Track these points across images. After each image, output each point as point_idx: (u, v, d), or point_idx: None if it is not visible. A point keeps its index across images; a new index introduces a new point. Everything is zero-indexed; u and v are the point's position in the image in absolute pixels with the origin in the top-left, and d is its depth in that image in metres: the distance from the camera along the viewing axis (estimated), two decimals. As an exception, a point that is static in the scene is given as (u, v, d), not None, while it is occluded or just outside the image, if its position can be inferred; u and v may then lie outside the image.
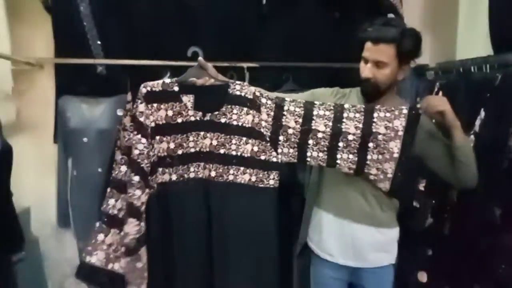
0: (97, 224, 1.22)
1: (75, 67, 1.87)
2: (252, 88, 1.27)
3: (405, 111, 1.21)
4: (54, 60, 1.90)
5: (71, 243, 1.98)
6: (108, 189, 1.22)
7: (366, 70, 1.29)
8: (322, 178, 1.42)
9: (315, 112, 1.24)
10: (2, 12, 1.82)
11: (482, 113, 1.36)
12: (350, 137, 1.22)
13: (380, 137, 1.21)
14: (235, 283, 1.26)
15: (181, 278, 1.26)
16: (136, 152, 1.19)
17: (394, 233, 1.38)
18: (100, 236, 1.21)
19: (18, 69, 1.88)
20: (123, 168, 1.22)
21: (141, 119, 1.20)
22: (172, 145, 1.23)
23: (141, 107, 1.21)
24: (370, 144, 1.22)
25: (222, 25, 1.93)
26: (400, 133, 1.20)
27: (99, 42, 1.89)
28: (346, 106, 1.24)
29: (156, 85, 1.23)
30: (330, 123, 1.23)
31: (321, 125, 1.23)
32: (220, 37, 1.94)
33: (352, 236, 1.35)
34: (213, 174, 1.25)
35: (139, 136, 1.20)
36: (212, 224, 1.25)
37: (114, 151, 1.76)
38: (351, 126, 1.22)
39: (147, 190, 1.21)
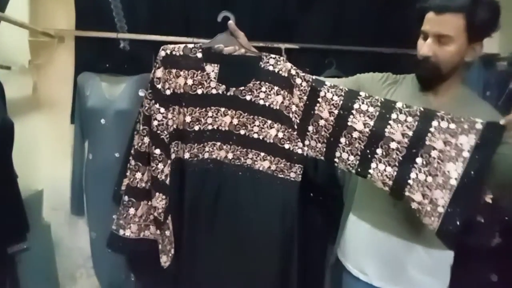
0: (126, 198, 1.11)
1: (96, 41, 1.75)
2: (288, 65, 1.09)
3: (479, 125, 0.93)
4: (74, 32, 1.76)
5: (84, 231, 1.86)
6: (132, 162, 1.10)
7: (425, 47, 1.04)
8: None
9: (356, 106, 1.03)
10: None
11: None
12: (393, 145, 0.99)
13: (435, 153, 0.96)
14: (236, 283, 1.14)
15: (188, 259, 1.15)
16: (155, 123, 1.06)
17: (446, 255, 1.12)
18: (131, 211, 1.12)
19: (36, 41, 1.74)
20: (146, 140, 1.08)
21: (159, 86, 1.06)
22: (188, 119, 1.10)
23: (159, 72, 1.06)
24: (419, 160, 0.97)
25: (257, 1, 1.74)
26: (466, 154, 0.94)
27: (123, 15, 1.73)
28: (398, 105, 1.01)
29: (177, 48, 1.08)
30: (372, 123, 1.01)
31: (359, 123, 1.02)
32: (255, 14, 1.75)
33: (392, 253, 1.12)
34: (230, 156, 1.11)
35: (157, 105, 1.06)
36: (224, 211, 1.12)
37: (132, 134, 1.63)
38: (398, 132, 0.99)
39: (169, 162, 1.09)
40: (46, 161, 1.85)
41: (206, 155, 1.11)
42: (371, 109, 1.02)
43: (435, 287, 1.12)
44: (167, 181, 1.08)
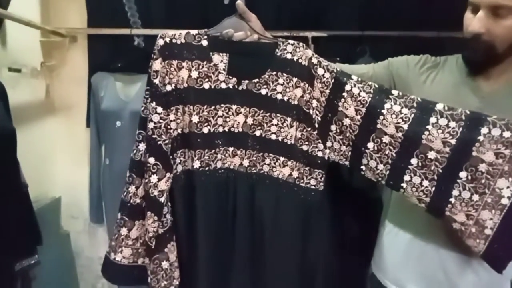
0: (118, 215, 0.96)
1: (109, 39, 1.64)
2: (309, 52, 0.92)
3: None
4: (86, 30, 1.67)
5: (104, 240, 1.78)
6: (127, 173, 0.94)
7: (475, 22, 0.86)
8: None
9: (387, 105, 0.86)
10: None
11: None
12: (432, 155, 0.83)
13: (483, 167, 0.80)
14: None
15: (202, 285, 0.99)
16: (150, 125, 0.89)
17: (507, 269, 0.94)
18: (124, 231, 0.95)
19: (48, 42, 1.66)
20: (141, 146, 0.93)
21: (156, 80, 0.89)
22: (195, 119, 0.93)
23: (156, 64, 0.90)
24: (463, 174, 0.81)
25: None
26: None
27: (136, 9, 1.63)
28: (438, 106, 0.84)
29: (178, 35, 0.92)
30: (406, 126, 0.85)
31: (391, 126, 0.86)
32: (279, 1, 1.61)
33: (439, 268, 0.96)
34: (245, 163, 0.95)
35: (153, 104, 0.89)
36: (237, 226, 0.97)
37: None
38: (438, 139, 0.82)
39: (167, 175, 0.91)
40: (62, 167, 1.78)
41: (219, 164, 0.95)
42: (405, 110, 0.85)
43: None
44: (162, 199, 0.90)
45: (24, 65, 1.52)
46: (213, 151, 0.95)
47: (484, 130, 0.80)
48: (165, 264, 0.93)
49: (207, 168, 0.95)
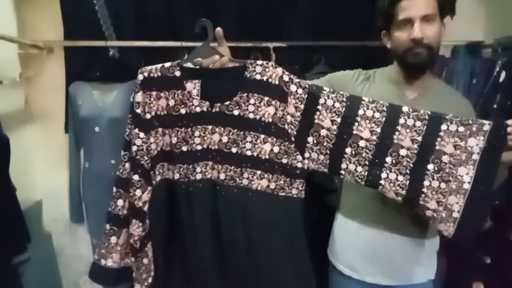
0: (107, 226, 1.08)
1: (85, 51, 1.74)
2: (279, 71, 0.99)
3: (486, 127, 0.92)
4: (63, 42, 1.76)
5: (85, 239, 1.87)
6: (114, 189, 1.07)
7: (417, 30, 1.04)
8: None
9: (360, 112, 0.96)
10: (8, -8, 1.69)
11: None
12: (403, 152, 0.95)
13: (445, 158, 0.93)
14: None
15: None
16: (134, 148, 1.01)
17: (433, 243, 1.15)
18: (113, 239, 1.08)
19: (26, 54, 1.74)
20: (127, 166, 1.05)
21: (138, 110, 1.02)
22: (174, 140, 1.04)
23: (138, 96, 1.02)
24: (430, 166, 0.94)
25: (242, 3, 1.75)
26: (475, 156, 0.92)
27: (110, 23, 1.73)
28: (404, 109, 0.96)
29: (154, 70, 1.03)
30: (379, 130, 0.95)
31: (365, 131, 0.96)
32: (242, 13, 1.76)
33: (382, 248, 1.13)
34: (222, 176, 1.03)
35: (136, 130, 1.01)
36: (221, 236, 1.05)
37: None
38: (407, 138, 0.94)
39: (149, 188, 1.04)
40: (43, 172, 1.86)
41: (199, 176, 1.04)
42: (377, 114, 0.96)
43: (424, 275, 1.15)
44: (145, 208, 1.03)
45: (4, 77, 1.60)
46: (191, 166, 1.04)
47: (443, 126, 0.93)
48: (145, 260, 1.05)
49: (186, 180, 1.04)
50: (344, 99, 0.98)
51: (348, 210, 1.20)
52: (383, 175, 0.95)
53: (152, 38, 1.72)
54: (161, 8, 1.75)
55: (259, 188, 1.02)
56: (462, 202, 0.92)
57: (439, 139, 0.93)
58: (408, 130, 0.95)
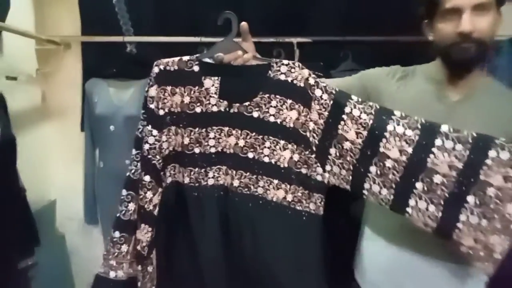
0: (117, 234, 0.98)
1: (103, 46, 1.70)
2: (306, 73, 0.90)
3: None
4: (80, 38, 1.73)
5: (99, 239, 1.82)
6: (124, 192, 0.97)
7: (465, 23, 0.89)
8: None
9: (389, 127, 0.84)
10: (26, -13, 1.67)
11: None
12: (437, 179, 0.81)
13: (491, 191, 0.79)
14: None
15: None
16: (146, 146, 0.94)
17: (479, 271, 0.96)
18: (124, 248, 0.98)
19: (43, 49, 1.72)
20: (139, 166, 0.96)
21: (152, 105, 0.94)
22: (186, 140, 0.96)
23: (152, 90, 0.94)
24: (471, 199, 0.80)
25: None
26: None
27: (128, 17, 1.68)
28: (443, 128, 0.82)
29: (171, 63, 0.95)
30: (410, 150, 0.83)
31: (394, 149, 0.84)
32: (265, 8, 1.67)
33: (413, 272, 1.00)
34: (235, 183, 0.95)
35: (149, 126, 0.94)
36: (230, 247, 0.96)
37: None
38: (444, 164, 0.81)
39: (159, 190, 0.96)
40: (58, 170, 1.83)
41: (211, 181, 0.96)
42: (409, 132, 0.83)
43: None
44: (155, 212, 0.95)
45: (21, 73, 1.58)
46: (203, 170, 0.96)
47: (492, 153, 0.79)
48: (150, 268, 0.97)
49: (197, 184, 0.96)
50: (372, 111, 0.86)
51: (374, 225, 1.08)
52: (411, 202, 0.83)
53: (171, 33, 1.65)
54: (181, 2, 1.69)
55: (274, 199, 0.92)
56: (507, 244, 0.78)
57: (485, 167, 0.79)
58: (446, 154, 0.81)
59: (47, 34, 1.68)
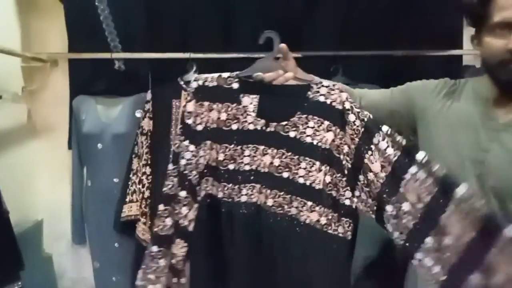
0: (155, 248, 0.97)
1: (90, 63, 1.68)
2: (344, 96, 0.90)
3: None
4: (67, 55, 1.70)
5: (87, 260, 1.77)
6: (162, 207, 0.97)
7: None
8: None
9: (412, 170, 0.83)
10: (11, 3, 1.64)
11: None
12: (448, 241, 0.79)
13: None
14: None
15: None
16: (182, 162, 0.95)
17: None
18: (162, 262, 0.98)
19: (29, 66, 1.69)
20: (176, 180, 0.96)
21: (189, 121, 0.96)
22: (221, 156, 0.96)
23: (190, 105, 0.96)
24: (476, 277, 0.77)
25: (260, 9, 1.65)
26: None
27: (116, 34, 1.67)
28: (459, 191, 0.79)
29: (210, 79, 0.97)
30: (427, 199, 0.81)
31: (412, 193, 0.82)
32: (258, 23, 1.64)
33: None
34: (269, 202, 0.94)
35: (186, 142, 0.96)
36: (260, 265, 0.95)
37: (131, 158, 1.56)
38: (458, 223, 0.79)
39: (195, 206, 0.97)
40: (45, 189, 1.79)
41: (244, 198, 0.95)
42: (430, 180, 0.81)
43: None
44: (190, 227, 0.96)
45: (5, 91, 1.55)
46: (237, 186, 0.95)
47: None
48: (183, 280, 0.99)
49: (229, 200, 0.96)
50: (400, 148, 0.84)
51: None
52: (418, 255, 0.82)
53: (159, 49, 1.64)
54: (170, 18, 1.67)
55: (307, 221, 0.91)
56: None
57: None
58: (461, 216, 0.78)
59: (33, 51, 1.66)
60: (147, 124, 1.54)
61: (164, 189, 0.97)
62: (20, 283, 1.18)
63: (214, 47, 1.64)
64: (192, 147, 0.95)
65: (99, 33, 1.65)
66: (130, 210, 1.51)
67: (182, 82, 1.57)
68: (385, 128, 0.87)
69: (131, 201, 1.52)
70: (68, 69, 1.74)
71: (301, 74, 0.97)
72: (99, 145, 1.59)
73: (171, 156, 0.98)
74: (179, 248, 0.96)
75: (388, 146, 0.85)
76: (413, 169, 0.82)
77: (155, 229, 0.98)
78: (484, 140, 0.87)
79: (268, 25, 1.63)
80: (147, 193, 1.52)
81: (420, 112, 1.00)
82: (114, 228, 1.57)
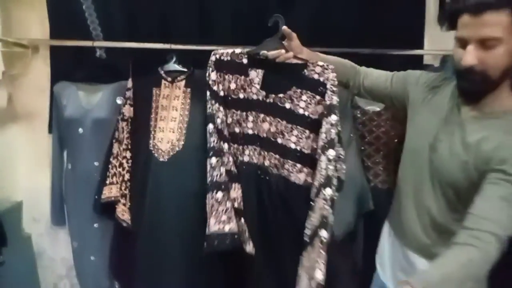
0: (219, 194, 1.12)
1: (72, 50, 1.72)
2: (331, 75, 1.08)
3: None
4: (48, 41, 1.74)
5: (65, 241, 1.84)
6: (214, 160, 1.14)
7: (467, 56, 0.88)
8: (398, 185, 1.15)
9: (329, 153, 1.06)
10: (-8, -12, 1.66)
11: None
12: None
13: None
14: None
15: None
16: (218, 121, 1.15)
17: None
18: (229, 203, 1.13)
19: (10, 52, 1.71)
20: (215, 137, 1.15)
21: (215, 88, 1.16)
22: (229, 120, 1.16)
23: (213, 75, 1.16)
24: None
25: (234, 5, 1.74)
26: None
27: (98, 23, 1.72)
28: None
29: (225, 54, 1.17)
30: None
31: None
32: (233, 20, 1.75)
33: (406, 261, 1.09)
34: (266, 163, 1.13)
35: (217, 105, 1.16)
36: (261, 211, 1.14)
37: (111, 143, 1.63)
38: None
39: (231, 155, 1.18)
40: (24, 172, 1.83)
41: (246, 158, 1.15)
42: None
43: None
44: (236, 172, 1.15)
45: (-14, 75, 1.58)
46: (241, 147, 1.15)
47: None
48: (242, 219, 1.14)
49: (235, 158, 1.16)
50: (337, 133, 1.07)
51: (390, 216, 1.20)
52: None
53: (141, 39, 1.70)
54: (151, 9, 1.73)
55: (296, 180, 1.10)
56: None
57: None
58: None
59: (14, 37, 1.69)
60: (128, 111, 1.60)
61: (211, 144, 1.15)
62: (1, 257, 1.24)
63: (192, 39, 1.72)
64: (221, 108, 1.13)
65: (81, 21, 1.70)
66: (110, 192, 1.57)
67: (162, 72, 1.64)
68: (337, 114, 1.07)
69: (111, 183, 1.58)
70: (49, 56, 1.77)
71: (305, 53, 1.12)
72: (80, 130, 1.64)
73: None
74: (237, 190, 1.13)
75: (330, 129, 1.05)
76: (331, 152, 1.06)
77: (213, 179, 1.12)
78: (442, 131, 0.98)
79: (242, 23, 1.75)
80: (127, 176, 1.58)
81: (411, 100, 1.12)
82: (94, 209, 1.64)
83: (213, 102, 1.15)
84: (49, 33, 1.74)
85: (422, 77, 1.12)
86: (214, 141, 1.14)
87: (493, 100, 0.94)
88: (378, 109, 1.61)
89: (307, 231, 1.05)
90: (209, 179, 1.14)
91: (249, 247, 1.12)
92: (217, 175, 1.13)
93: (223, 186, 1.12)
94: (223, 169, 1.13)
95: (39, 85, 1.78)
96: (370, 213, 1.53)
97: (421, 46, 1.80)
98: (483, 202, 0.83)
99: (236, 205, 1.12)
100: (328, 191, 1.01)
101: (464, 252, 0.79)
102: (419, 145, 1.04)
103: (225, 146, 1.14)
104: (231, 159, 1.13)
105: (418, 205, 1.02)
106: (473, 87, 0.93)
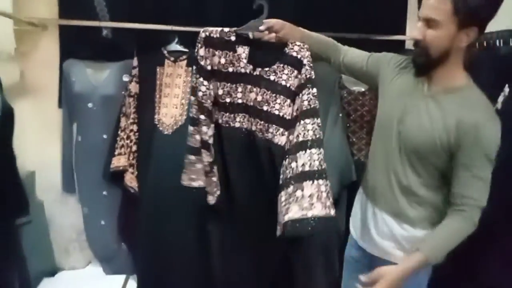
0: (192, 157, 1.34)
1: (79, 30, 1.81)
2: (307, 54, 1.23)
3: None
4: (57, 21, 1.84)
5: (75, 207, 1.98)
6: (191, 128, 1.32)
7: (415, 30, 1.06)
8: (371, 155, 1.29)
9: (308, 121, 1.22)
10: (3, -32, 1.74)
11: (506, 89, 1.28)
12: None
13: None
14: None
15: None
16: (200, 94, 1.27)
17: (420, 234, 1.15)
18: (198, 165, 1.34)
19: (21, 30, 1.81)
20: (195, 108, 1.30)
21: (202, 62, 1.26)
22: (220, 91, 1.29)
23: (201, 51, 1.26)
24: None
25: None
26: None
27: (104, 4, 1.82)
28: None
29: (214, 31, 1.27)
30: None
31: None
32: (226, 2, 1.86)
33: (373, 219, 1.22)
34: (254, 128, 1.28)
35: (201, 79, 1.27)
36: (250, 170, 1.32)
37: (119, 117, 1.77)
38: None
39: (212, 125, 1.32)
40: (36, 144, 1.94)
41: (237, 124, 1.30)
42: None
43: (395, 251, 1.18)
44: (210, 141, 1.30)
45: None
46: (232, 115, 1.30)
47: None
48: (214, 178, 1.34)
49: (227, 125, 1.31)
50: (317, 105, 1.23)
51: (363, 179, 1.32)
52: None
53: (145, 21, 1.80)
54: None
55: (279, 142, 1.25)
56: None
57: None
58: None
59: (24, 15, 1.77)
60: (134, 88, 1.73)
61: (191, 114, 1.31)
62: (29, 216, 1.39)
63: (193, 21, 1.83)
64: (205, 82, 1.27)
65: (88, 2, 1.79)
66: (119, 161, 1.73)
67: (165, 52, 1.77)
68: (314, 88, 1.21)
69: (119, 154, 1.73)
70: (58, 34, 1.87)
71: (288, 30, 1.26)
72: (90, 104, 1.78)
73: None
74: (205, 156, 1.31)
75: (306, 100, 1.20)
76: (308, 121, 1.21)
77: (189, 144, 1.33)
78: (408, 105, 1.11)
79: (235, 5, 1.83)
80: (134, 147, 1.73)
81: (381, 79, 1.25)
82: (103, 177, 1.79)
83: (198, 76, 1.27)
84: (58, 12, 1.83)
85: (393, 59, 1.25)
86: (193, 112, 1.30)
87: (446, 76, 1.08)
88: (362, 89, 1.76)
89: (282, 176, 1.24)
90: (186, 144, 1.34)
91: (211, 198, 1.36)
92: (192, 141, 1.32)
93: (195, 151, 1.32)
94: (198, 137, 1.30)
95: (49, 62, 1.88)
96: (353, 184, 1.68)
97: (403, 32, 1.93)
98: (462, 182, 1.06)
99: (205, 167, 1.31)
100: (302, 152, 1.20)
101: (455, 222, 1.06)
102: (389, 119, 1.18)
103: (202, 117, 1.28)
104: (205, 129, 1.29)
105: (387, 170, 1.18)
106: (417, 60, 1.09)
